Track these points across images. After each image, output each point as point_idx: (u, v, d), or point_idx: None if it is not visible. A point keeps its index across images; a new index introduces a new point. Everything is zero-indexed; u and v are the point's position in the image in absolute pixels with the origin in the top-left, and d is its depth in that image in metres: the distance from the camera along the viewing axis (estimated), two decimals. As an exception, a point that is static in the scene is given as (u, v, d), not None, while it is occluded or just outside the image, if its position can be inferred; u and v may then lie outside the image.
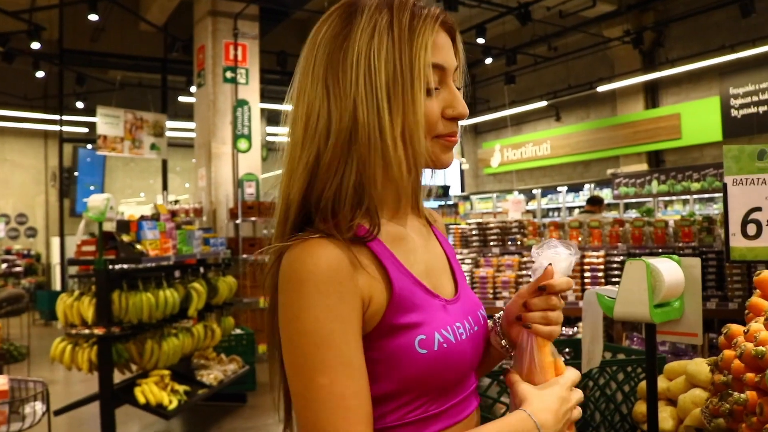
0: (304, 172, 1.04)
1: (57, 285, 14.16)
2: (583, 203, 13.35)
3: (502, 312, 1.34)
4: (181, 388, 5.46)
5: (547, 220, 6.34)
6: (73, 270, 5.66)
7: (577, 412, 1.12)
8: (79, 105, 14.21)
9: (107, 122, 9.90)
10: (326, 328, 0.96)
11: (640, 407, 2.22)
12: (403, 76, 1.01)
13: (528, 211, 12.64)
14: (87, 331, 4.99)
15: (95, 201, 4.95)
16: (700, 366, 2.09)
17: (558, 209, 13.96)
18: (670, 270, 1.92)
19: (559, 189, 14.07)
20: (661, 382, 2.29)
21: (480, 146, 18.16)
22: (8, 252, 15.28)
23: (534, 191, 14.53)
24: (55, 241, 14.51)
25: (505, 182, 17.29)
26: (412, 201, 1.21)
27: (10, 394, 3.08)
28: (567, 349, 2.91)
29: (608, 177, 12.48)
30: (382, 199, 1.11)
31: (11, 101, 14.34)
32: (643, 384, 2.25)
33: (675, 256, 1.99)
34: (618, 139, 13.87)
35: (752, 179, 2.23)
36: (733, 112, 11.76)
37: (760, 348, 1.39)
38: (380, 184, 1.06)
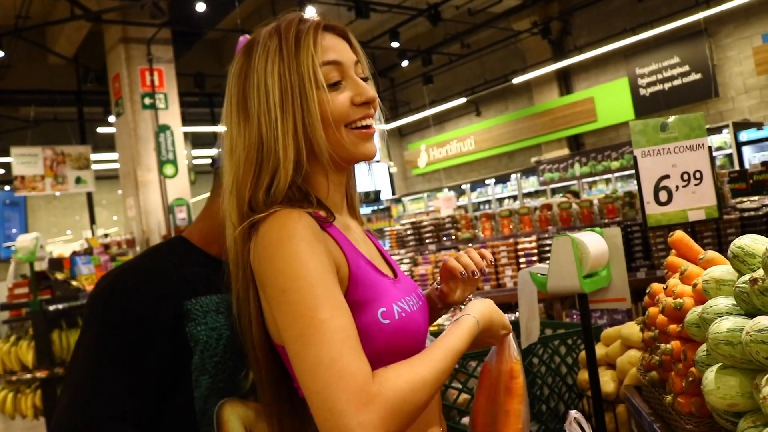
0: (237, 193, 1.18)
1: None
2: (513, 193, 13.73)
3: (437, 282, 1.56)
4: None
5: (478, 213, 6.52)
6: (5, 315, 5.47)
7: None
8: (-8, 146, 13.68)
9: (23, 162, 9.59)
10: (318, 271, 1.04)
11: (583, 375, 2.35)
12: (292, 83, 1.15)
13: (459, 207, 12.90)
14: (29, 376, 4.85)
15: (24, 241, 4.83)
16: (632, 329, 2.24)
17: (488, 201, 14.28)
18: (594, 241, 2.07)
19: (487, 182, 14.39)
20: (600, 349, 2.43)
21: (406, 148, 18.39)
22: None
23: (463, 187, 14.82)
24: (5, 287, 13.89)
25: (434, 181, 17.55)
26: (347, 201, 1.34)
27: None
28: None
29: (532, 165, 12.87)
30: (324, 195, 1.23)
31: None
32: (583, 353, 2.39)
33: (597, 228, 2.13)
34: (537, 127, 14.31)
35: (659, 149, 2.41)
36: (642, 91, 12.32)
37: (678, 300, 1.53)
38: (315, 184, 1.22)
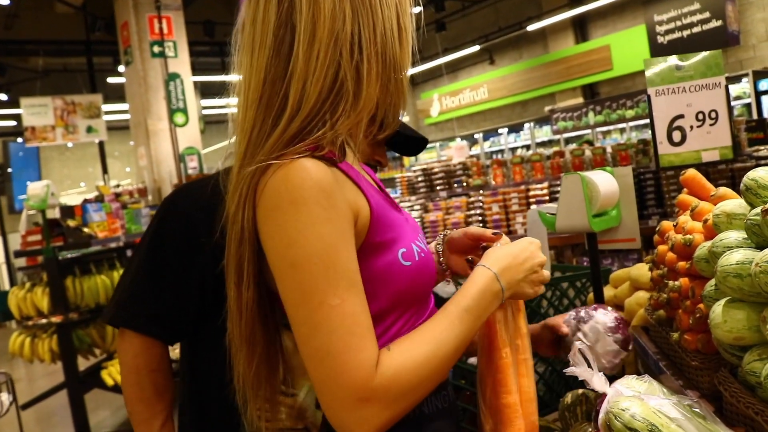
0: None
1: (5, 284, 13.80)
2: (526, 143, 13.59)
3: (441, 236, 1.44)
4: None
5: (490, 161, 6.47)
6: (22, 263, 5.54)
7: (546, 274, 1.19)
8: (2, 97, 13.66)
9: (34, 112, 9.57)
10: (334, 246, 0.95)
11: (591, 316, 2.34)
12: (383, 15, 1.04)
13: (472, 156, 12.80)
14: (44, 321, 4.93)
15: (35, 189, 4.85)
16: (641, 270, 2.22)
17: (501, 151, 14.15)
18: (605, 180, 2.03)
19: (500, 131, 14.25)
20: (608, 291, 2.42)
21: (418, 97, 18.20)
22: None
23: (476, 136, 14.68)
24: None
25: (446, 130, 17.40)
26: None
27: (-26, 388, 3.07)
28: None
29: (546, 114, 12.69)
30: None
31: (-71, 100, 13.72)
32: (592, 295, 2.37)
33: (608, 167, 2.09)
34: (552, 76, 14.07)
35: (673, 88, 2.35)
36: (659, 39, 12.03)
37: (688, 236, 1.50)
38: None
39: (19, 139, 15.00)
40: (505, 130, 14.06)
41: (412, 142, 1.75)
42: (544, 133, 13.08)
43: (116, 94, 12.97)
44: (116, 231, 5.36)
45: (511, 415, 1.17)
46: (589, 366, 1.14)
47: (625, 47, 12.66)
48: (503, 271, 1.12)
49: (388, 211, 1.09)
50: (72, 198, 15.10)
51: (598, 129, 11.46)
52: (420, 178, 6.37)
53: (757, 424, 1.11)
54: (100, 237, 5.11)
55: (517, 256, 1.15)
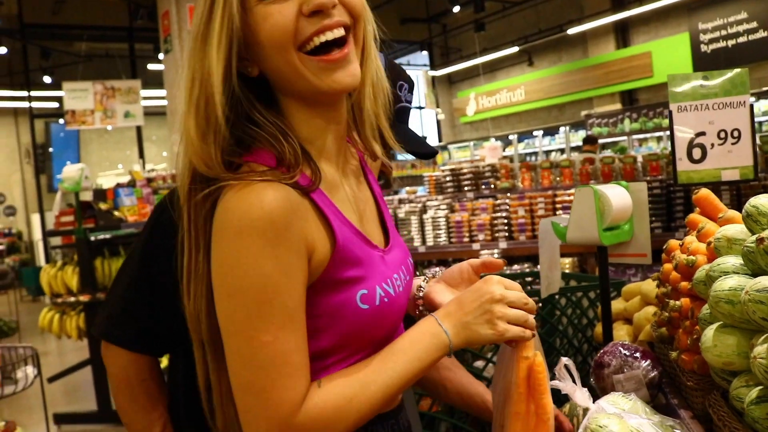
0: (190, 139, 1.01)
1: (41, 261, 14.15)
2: (560, 146, 13.48)
3: (427, 277, 1.32)
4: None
5: (519, 163, 6.45)
6: (57, 242, 5.70)
7: (508, 311, 1.05)
8: (47, 80, 13.99)
9: (75, 96, 9.78)
10: (273, 282, 0.92)
11: (599, 328, 2.35)
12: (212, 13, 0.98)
13: (505, 157, 12.74)
14: (73, 299, 5.08)
15: (70, 171, 4.98)
16: (651, 285, 2.21)
17: (535, 153, 14.06)
18: (618, 195, 2.03)
19: (535, 133, 14.15)
20: (619, 304, 2.42)
21: (455, 95, 18.14)
22: (-12, 231, 15.23)
23: (510, 137, 14.61)
24: (36, 218, 14.45)
25: (482, 130, 17.34)
26: (340, 137, 1.13)
27: (1, 360, 3.17)
28: (530, 279, 3.04)
29: (582, 118, 12.58)
30: (308, 137, 1.07)
31: (-24, 80, 14.11)
32: (599, 330, 2.38)
33: (623, 182, 2.10)
34: (591, 80, 13.92)
35: (696, 105, 2.33)
36: (703, 48, 11.83)
37: (691, 257, 1.51)
38: (294, 124, 1.04)
39: (61, 121, 15.38)
40: (540, 132, 13.96)
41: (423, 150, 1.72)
42: (579, 137, 12.96)
43: (156, 81, 13.19)
44: (146, 215, 5.49)
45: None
46: (574, 381, 1.15)
47: (667, 54, 12.47)
48: (446, 315, 1.06)
49: (358, 248, 1.04)
50: (109, 179, 15.42)
51: (634, 136, 11.32)
52: (448, 178, 6.38)
53: (741, 449, 1.12)
54: (130, 221, 5.23)
55: (463, 299, 1.07)
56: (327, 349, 1.02)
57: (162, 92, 10.04)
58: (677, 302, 1.56)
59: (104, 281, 5.12)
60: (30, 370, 3.33)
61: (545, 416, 1.10)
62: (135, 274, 1.37)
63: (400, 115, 1.61)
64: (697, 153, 2.32)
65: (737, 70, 2.31)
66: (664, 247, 1.78)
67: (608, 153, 10.17)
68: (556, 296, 2.41)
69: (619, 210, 2.02)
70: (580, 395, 1.15)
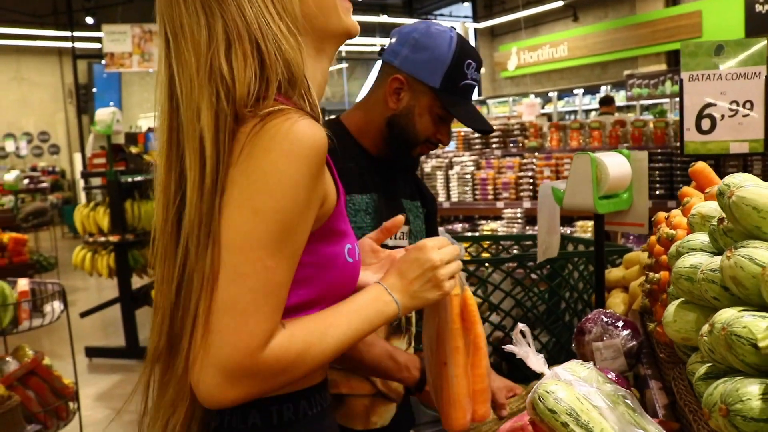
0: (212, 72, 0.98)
1: (83, 199, 14.56)
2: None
3: None
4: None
5: (548, 123, 6.36)
6: (98, 182, 5.86)
7: (448, 270, 1.14)
8: (89, 20, 14.12)
9: (113, 39, 9.89)
10: (299, 212, 0.94)
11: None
12: None
13: (543, 114, 12.54)
14: (103, 239, 5.26)
15: (102, 115, 5.10)
16: (650, 254, 2.22)
17: (575, 112, 13.79)
18: (616, 163, 2.03)
19: (575, 91, 13.86)
20: (619, 272, 2.43)
21: (496, 49, 17.80)
22: (33, 169, 15.64)
23: (550, 94, 14.34)
24: (78, 158, 14.79)
25: (522, 86, 17.04)
26: None
27: (30, 294, 3.34)
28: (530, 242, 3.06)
29: (623, 78, 12.26)
30: (313, 82, 1.08)
31: (22, 19, 14.26)
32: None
33: (625, 150, 2.09)
34: (637, 38, 13.51)
35: (708, 74, 2.29)
36: (758, 8, 11.34)
37: (671, 231, 1.52)
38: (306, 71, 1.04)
39: (103, 62, 15.59)
40: (581, 90, 13.66)
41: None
42: (621, 98, 12.66)
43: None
44: (176, 161, 5.61)
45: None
46: (529, 345, 1.19)
47: (719, 14, 12.01)
48: (392, 287, 1.11)
49: (344, 205, 1.10)
50: (149, 121, 15.64)
51: (676, 99, 11.01)
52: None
53: (695, 422, 1.15)
54: (160, 165, 5.35)
55: (405, 270, 1.12)
56: (313, 300, 1.04)
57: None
58: (656, 275, 1.57)
59: (134, 223, 5.28)
60: (57, 305, 3.49)
61: (481, 343, 1.28)
62: None
63: (464, 92, 1.66)
64: (706, 124, 2.29)
65: (755, 39, 2.25)
66: (653, 218, 1.79)
67: (647, 115, 9.95)
68: (555, 260, 2.42)
69: (617, 179, 2.01)
70: (535, 360, 1.19)
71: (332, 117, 1.77)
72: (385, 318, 1.09)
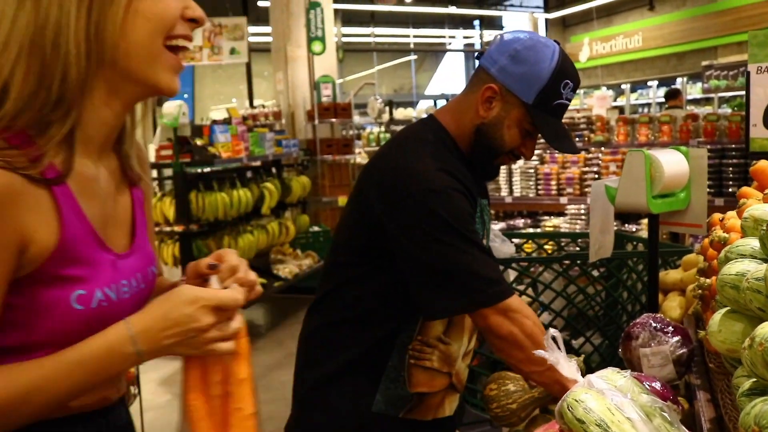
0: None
1: (156, 189, 15.01)
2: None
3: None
4: (258, 280, 5.86)
5: (615, 117, 6.17)
6: (169, 172, 6.03)
7: (215, 336, 1.04)
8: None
9: (186, 33, 10.09)
10: None
11: (658, 297, 2.27)
12: None
13: (615, 107, 12.18)
14: (169, 229, 5.40)
15: (169, 108, 5.22)
16: (711, 257, 2.11)
17: (648, 105, 13.34)
18: (673, 161, 1.94)
19: (649, 83, 13.40)
20: (677, 274, 2.32)
21: (568, 40, 17.39)
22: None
23: (623, 86, 13.91)
24: (152, 148, 15.25)
25: (594, 77, 16.58)
26: (113, 138, 1.11)
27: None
28: (580, 240, 2.96)
29: (701, 69, 11.76)
30: (93, 123, 1.04)
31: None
32: (661, 274, 2.30)
33: (683, 148, 2.00)
34: (717, 27, 12.95)
35: (779, 67, 2.14)
36: None
37: (724, 234, 1.43)
38: (87, 105, 1.01)
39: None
40: (655, 83, 13.21)
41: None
42: (698, 90, 12.16)
43: (267, 17, 13.43)
44: (239, 152, 5.70)
45: None
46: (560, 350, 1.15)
47: (807, 1, 11.38)
48: (145, 331, 1.01)
49: (87, 249, 1.02)
50: (221, 113, 16.03)
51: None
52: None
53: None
54: (224, 157, 5.45)
55: (168, 317, 1.01)
56: (34, 344, 0.99)
57: (270, 29, 10.24)
58: (707, 281, 1.49)
59: (198, 213, 5.40)
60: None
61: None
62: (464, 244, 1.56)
63: (556, 111, 1.66)
64: (775, 119, 2.16)
65: (833, 30, 2.10)
66: (708, 220, 1.70)
67: (725, 108, 9.53)
68: (610, 260, 2.34)
69: (673, 177, 1.92)
70: (566, 367, 1.15)
71: (428, 115, 1.78)
72: (118, 369, 1.03)
